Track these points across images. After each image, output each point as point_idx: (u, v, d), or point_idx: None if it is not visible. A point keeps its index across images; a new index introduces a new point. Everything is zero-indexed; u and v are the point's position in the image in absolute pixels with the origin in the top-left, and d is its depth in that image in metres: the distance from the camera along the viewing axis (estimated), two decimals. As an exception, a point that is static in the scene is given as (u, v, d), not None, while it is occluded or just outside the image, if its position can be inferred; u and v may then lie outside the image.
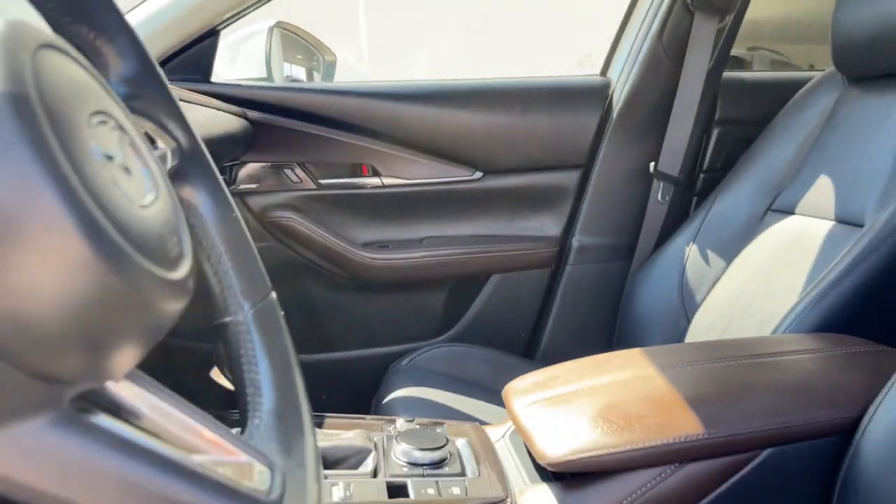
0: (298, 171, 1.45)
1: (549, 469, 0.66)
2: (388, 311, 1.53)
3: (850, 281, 0.93)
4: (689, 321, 1.33)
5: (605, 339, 1.54)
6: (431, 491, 0.62)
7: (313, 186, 1.46)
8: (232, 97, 1.36)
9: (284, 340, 0.43)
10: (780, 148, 1.30)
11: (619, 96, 1.50)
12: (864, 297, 0.93)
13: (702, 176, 1.56)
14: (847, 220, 1.08)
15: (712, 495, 0.64)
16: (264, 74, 1.50)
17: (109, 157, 0.29)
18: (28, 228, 0.23)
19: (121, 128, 0.31)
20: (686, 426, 0.64)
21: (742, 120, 1.53)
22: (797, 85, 1.34)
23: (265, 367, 0.40)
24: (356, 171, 1.49)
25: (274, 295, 0.45)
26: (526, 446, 0.71)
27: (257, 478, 0.33)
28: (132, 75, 0.40)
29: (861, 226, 1.03)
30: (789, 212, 1.24)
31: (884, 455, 0.60)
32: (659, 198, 1.49)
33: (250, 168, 1.44)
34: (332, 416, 0.75)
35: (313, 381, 1.15)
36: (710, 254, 1.35)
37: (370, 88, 1.48)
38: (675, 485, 0.64)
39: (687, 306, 1.35)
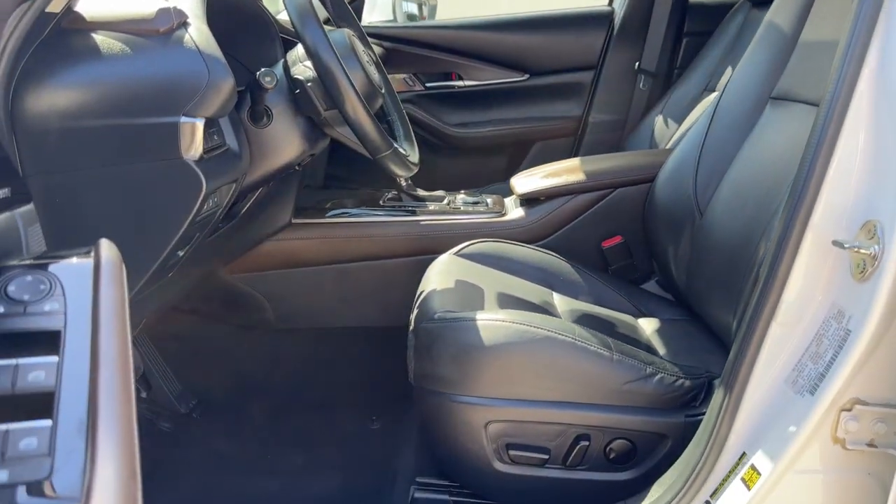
0: (413, 78, 2.36)
1: (519, 198, 1.59)
2: (470, 166, 2.44)
3: None
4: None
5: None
6: (470, 208, 1.57)
7: (422, 88, 2.36)
8: (375, 34, 2.26)
9: None
10: (711, 50, 2.10)
11: (618, 20, 2.31)
12: None
13: (675, 71, 2.36)
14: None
15: (589, 211, 1.54)
16: (391, 17, 2.40)
17: None
18: None
19: None
20: (580, 177, 1.54)
21: (703, 32, 2.29)
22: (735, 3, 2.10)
23: None
24: (449, 77, 2.38)
25: None
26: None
27: None
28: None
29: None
30: (713, 89, 2.05)
31: (660, 187, 1.47)
32: (641, 86, 2.31)
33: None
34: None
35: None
36: (669, 120, 2.17)
37: (454, 23, 2.35)
38: (574, 205, 1.54)
39: (658, 145, 2.18)
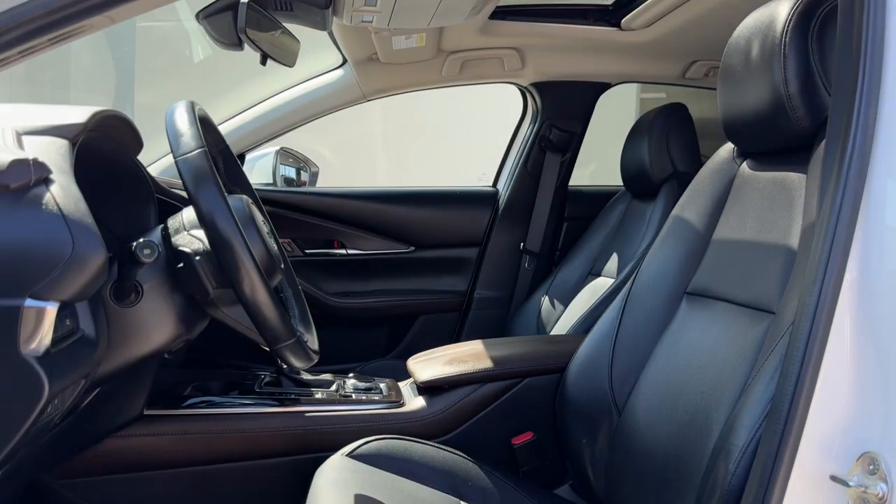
0: (292, 244, 2.20)
1: (420, 386, 1.42)
2: (351, 338, 2.25)
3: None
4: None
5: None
6: (363, 397, 1.38)
7: (301, 254, 2.21)
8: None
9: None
10: (593, 235, 2.15)
11: (502, 200, 2.33)
12: None
13: (557, 253, 2.38)
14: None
15: (496, 402, 1.40)
16: (270, 180, 2.27)
17: None
18: None
19: None
20: (486, 364, 1.41)
21: (582, 217, 2.36)
22: (613, 193, 2.19)
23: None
24: (330, 244, 2.25)
25: None
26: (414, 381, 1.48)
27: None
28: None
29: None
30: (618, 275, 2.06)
31: (572, 379, 1.38)
32: (526, 265, 2.30)
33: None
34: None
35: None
36: (556, 301, 2.15)
37: (338, 191, 2.26)
38: (480, 395, 1.40)
39: (541, 331, 2.13)
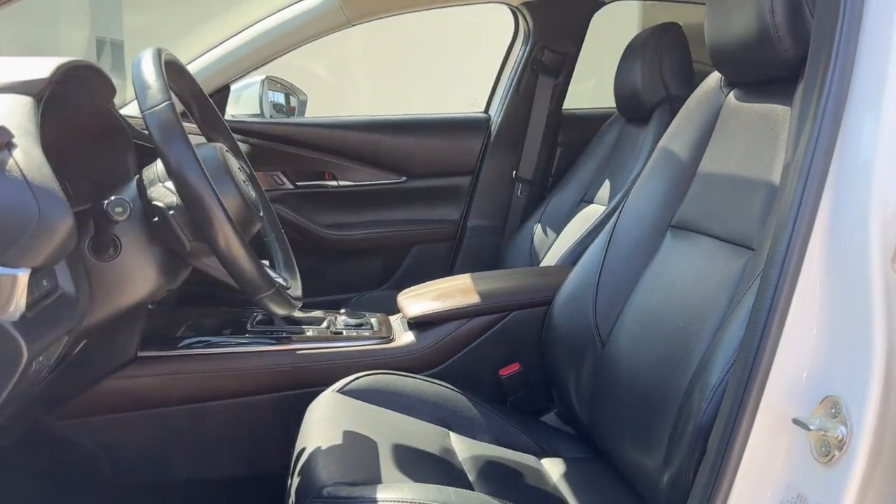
0: (282, 176, 2.18)
1: (409, 322, 1.44)
2: (344, 270, 2.27)
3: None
4: (539, 263, 2.11)
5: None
6: (353, 333, 1.40)
7: (292, 187, 2.19)
8: (240, 129, 2.08)
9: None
10: (586, 161, 2.12)
11: (494, 127, 2.29)
12: None
13: (551, 179, 2.36)
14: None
15: (484, 336, 1.43)
16: (257, 110, 2.23)
17: None
18: None
19: None
20: (474, 299, 1.43)
21: (576, 141, 2.33)
22: (608, 117, 2.15)
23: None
24: (321, 176, 2.23)
25: None
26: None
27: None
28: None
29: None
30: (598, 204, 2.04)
31: (558, 311, 1.40)
32: (518, 193, 2.28)
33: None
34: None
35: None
36: (548, 229, 2.15)
37: (328, 121, 2.22)
38: (468, 329, 1.42)
39: (533, 260, 2.14)
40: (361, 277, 2.27)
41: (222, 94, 2.08)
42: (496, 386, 1.44)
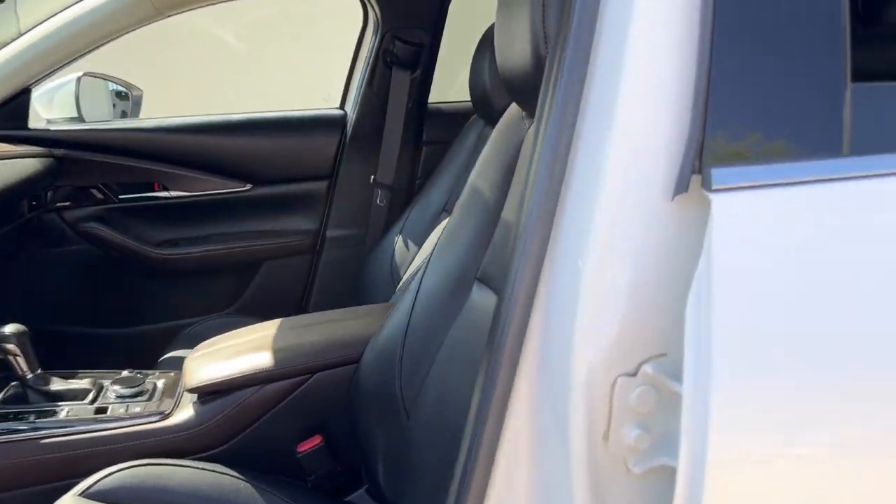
0: (102, 190, 1.90)
1: (189, 393, 1.21)
2: (183, 293, 2.02)
3: None
4: (394, 287, 1.90)
5: (353, 303, 2.09)
6: (121, 410, 1.16)
7: (114, 201, 1.92)
8: (45, 139, 1.78)
9: None
10: (448, 164, 1.89)
11: (350, 126, 2.04)
12: None
13: (418, 182, 2.13)
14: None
15: (282, 403, 1.20)
16: (74, 114, 1.92)
17: None
18: None
19: None
20: (267, 361, 1.20)
21: (444, 140, 2.09)
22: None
23: None
24: (149, 187, 1.96)
25: None
26: None
27: None
28: None
29: None
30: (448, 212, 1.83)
31: (365, 372, 1.18)
32: (378, 201, 2.05)
33: (64, 190, 1.88)
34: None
35: (126, 348, 1.66)
36: (409, 242, 1.93)
37: (156, 125, 1.94)
38: (260, 398, 1.19)
39: (394, 278, 1.92)
40: (202, 301, 2.02)
41: (21, 98, 1.77)
42: (296, 462, 1.23)
